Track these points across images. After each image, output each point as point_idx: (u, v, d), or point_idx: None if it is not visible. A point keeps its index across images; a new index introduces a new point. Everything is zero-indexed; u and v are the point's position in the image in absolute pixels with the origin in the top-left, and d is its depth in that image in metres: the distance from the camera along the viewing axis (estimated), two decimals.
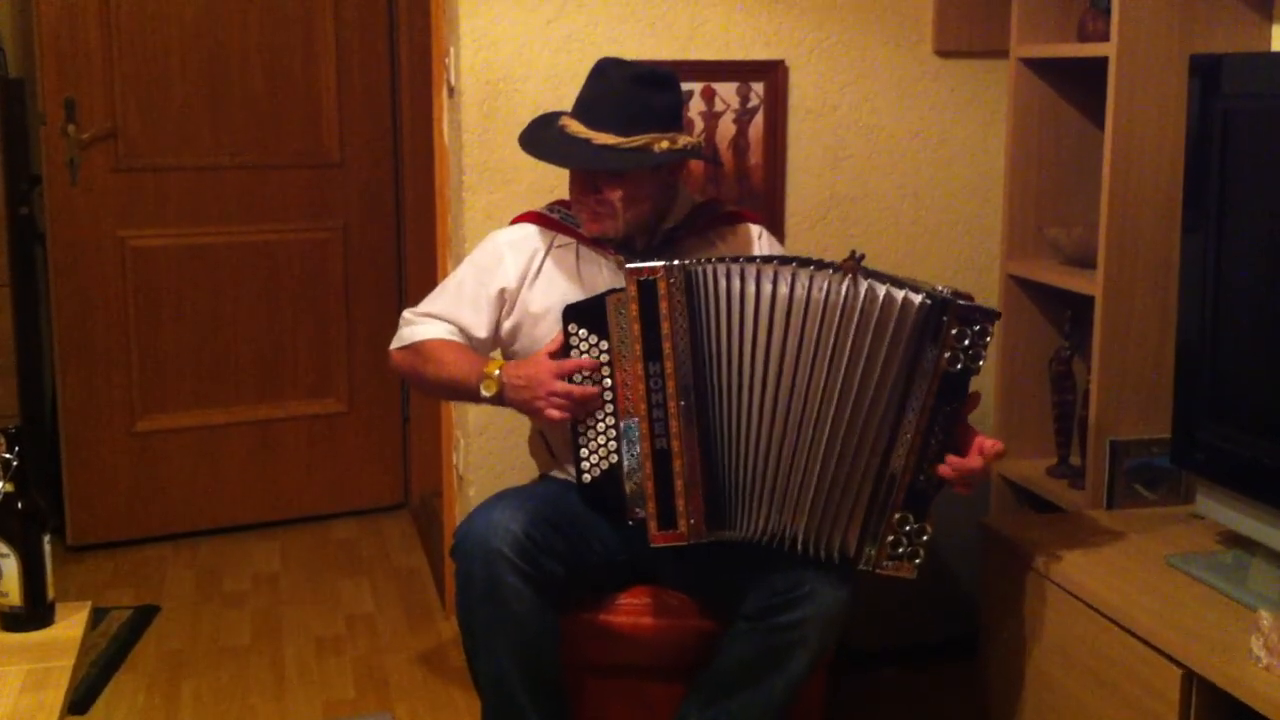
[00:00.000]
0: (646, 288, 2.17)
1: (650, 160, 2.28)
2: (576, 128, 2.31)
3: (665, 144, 2.28)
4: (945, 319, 2.13)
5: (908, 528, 2.18)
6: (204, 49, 3.83)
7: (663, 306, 2.17)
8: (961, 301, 2.14)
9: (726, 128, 3.00)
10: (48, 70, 3.68)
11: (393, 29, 4.05)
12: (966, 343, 2.14)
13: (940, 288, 2.16)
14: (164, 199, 3.86)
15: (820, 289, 2.15)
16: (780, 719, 2.26)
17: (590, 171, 2.32)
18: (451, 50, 2.98)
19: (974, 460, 2.18)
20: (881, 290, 2.14)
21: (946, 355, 2.14)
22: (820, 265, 2.18)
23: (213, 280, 3.95)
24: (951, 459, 2.17)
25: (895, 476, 2.17)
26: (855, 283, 2.15)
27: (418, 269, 4.00)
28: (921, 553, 2.19)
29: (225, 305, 3.97)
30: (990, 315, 2.15)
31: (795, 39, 3.03)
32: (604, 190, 2.31)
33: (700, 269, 2.18)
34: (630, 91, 2.29)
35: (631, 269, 2.18)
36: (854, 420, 2.17)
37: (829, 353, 2.16)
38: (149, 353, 3.90)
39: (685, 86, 2.39)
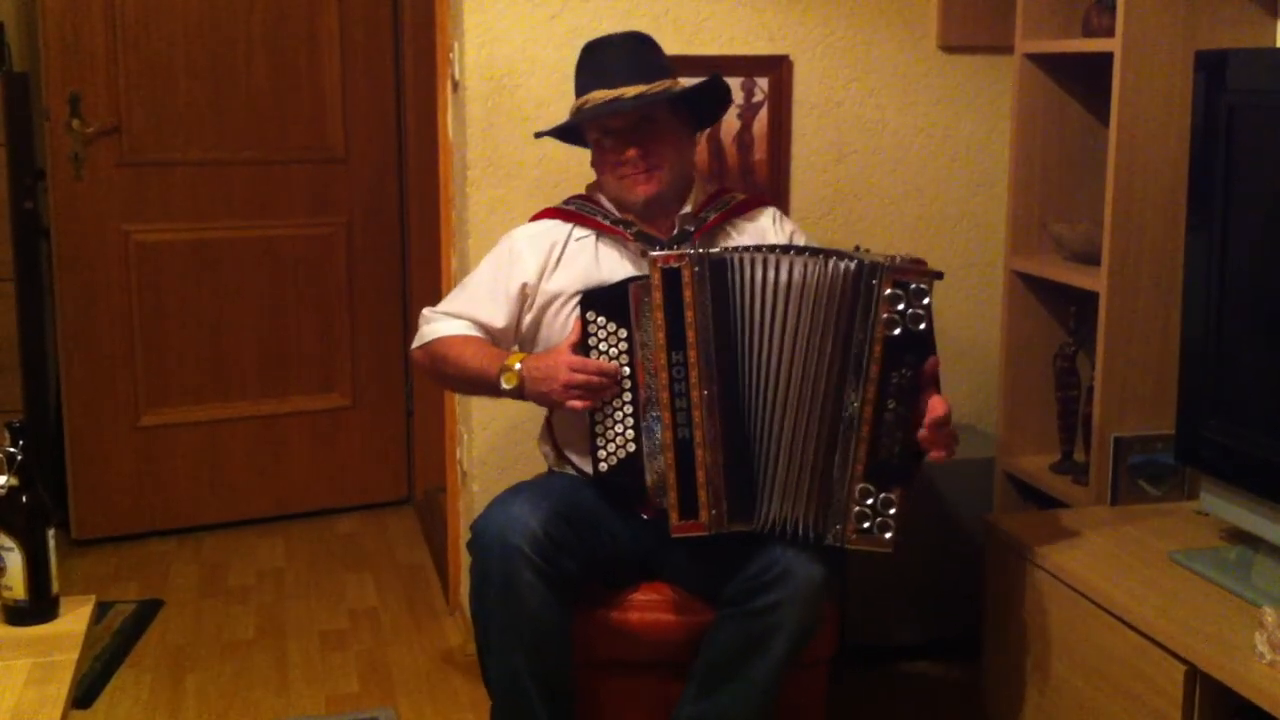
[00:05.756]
0: (670, 276, 2.16)
1: (678, 92, 2.37)
2: (600, 94, 2.34)
3: (683, 84, 2.39)
4: (876, 283, 2.11)
5: (870, 500, 2.14)
6: (208, 43, 3.83)
7: (687, 295, 2.16)
8: (892, 264, 2.11)
9: (731, 123, 3.00)
10: (52, 65, 3.68)
11: (397, 23, 4.05)
12: (902, 306, 2.10)
13: (890, 255, 2.14)
14: (168, 194, 3.86)
15: (786, 270, 2.16)
16: (767, 704, 2.24)
17: (623, 133, 2.36)
18: (456, 45, 2.98)
19: (940, 422, 2.14)
20: (830, 264, 2.15)
21: (884, 319, 2.11)
22: (826, 252, 2.18)
23: (217, 275, 3.95)
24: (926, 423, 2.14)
25: (852, 449, 2.14)
26: (814, 260, 2.16)
27: (422, 264, 4.00)
28: (893, 525, 2.14)
29: (229, 300, 3.97)
30: (925, 275, 2.10)
31: (800, 34, 3.03)
32: (646, 144, 2.36)
33: (724, 257, 2.19)
34: (634, 48, 2.41)
35: (655, 257, 2.18)
36: (814, 397, 2.16)
37: (795, 332, 2.16)
38: (153, 347, 3.90)
39: (690, 81, 2.40)
